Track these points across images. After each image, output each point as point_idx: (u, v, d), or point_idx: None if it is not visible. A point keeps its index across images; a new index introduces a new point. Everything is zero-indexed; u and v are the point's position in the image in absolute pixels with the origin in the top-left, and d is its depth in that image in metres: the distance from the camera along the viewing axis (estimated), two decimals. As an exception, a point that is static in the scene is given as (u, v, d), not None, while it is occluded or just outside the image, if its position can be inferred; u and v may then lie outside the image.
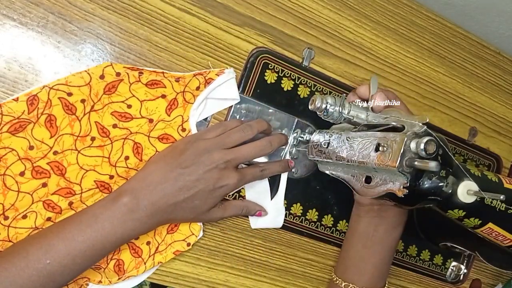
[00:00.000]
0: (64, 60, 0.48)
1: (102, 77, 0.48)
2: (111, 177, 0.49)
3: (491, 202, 0.46)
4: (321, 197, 0.58)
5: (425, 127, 0.40)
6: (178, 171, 0.46)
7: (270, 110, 0.55)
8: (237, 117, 0.54)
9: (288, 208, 0.57)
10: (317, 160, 0.52)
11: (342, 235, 0.59)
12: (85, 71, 0.47)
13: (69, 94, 0.47)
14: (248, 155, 0.48)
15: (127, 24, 0.50)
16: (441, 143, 0.40)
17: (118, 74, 0.48)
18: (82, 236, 0.42)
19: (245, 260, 0.56)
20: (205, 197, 0.46)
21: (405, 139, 0.39)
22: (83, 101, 0.47)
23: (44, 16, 0.47)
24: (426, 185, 0.41)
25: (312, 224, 0.58)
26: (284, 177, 0.56)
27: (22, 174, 0.46)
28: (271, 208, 0.55)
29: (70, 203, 0.47)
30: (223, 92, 0.52)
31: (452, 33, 0.65)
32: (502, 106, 0.69)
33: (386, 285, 0.53)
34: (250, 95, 0.54)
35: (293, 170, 0.56)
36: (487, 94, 0.68)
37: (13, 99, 0.45)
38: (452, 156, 0.41)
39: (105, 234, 0.43)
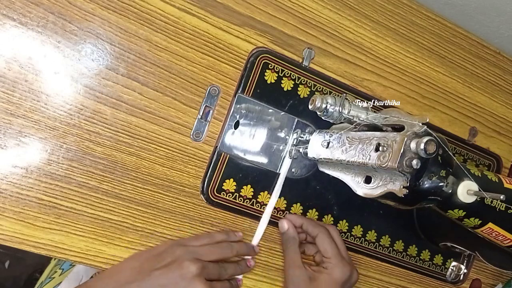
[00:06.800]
0: (64, 60, 0.48)
1: None
2: None
3: (491, 202, 0.46)
4: (321, 197, 0.58)
5: (425, 127, 0.40)
6: (148, 273, 0.45)
7: (270, 110, 0.55)
8: (237, 117, 0.54)
9: (288, 208, 0.57)
10: (317, 160, 0.52)
11: (342, 235, 0.59)
12: None
13: None
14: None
15: (127, 24, 0.50)
16: (441, 143, 0.40)
17: None
18: None
19: (245, 260, 0.56)
20: None
21: (405, 139, 0.39)
22: None
23: (44, 16, 0.47)
24: (426, 185, 0.41)
25: (312, 224, 0.58)
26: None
27: None
28: None
29: None
30: None
31: (452, 33, 0.65)
32: (502, 106, 0.69)
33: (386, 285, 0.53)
34: (250, 95, 0.54)
35: (293, 170, 0.56)
36: (487, 94, 0.68)
37: None
38: (452, 156, 0.41)
39: None
